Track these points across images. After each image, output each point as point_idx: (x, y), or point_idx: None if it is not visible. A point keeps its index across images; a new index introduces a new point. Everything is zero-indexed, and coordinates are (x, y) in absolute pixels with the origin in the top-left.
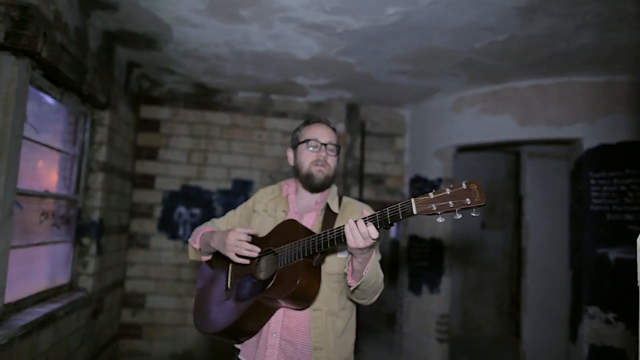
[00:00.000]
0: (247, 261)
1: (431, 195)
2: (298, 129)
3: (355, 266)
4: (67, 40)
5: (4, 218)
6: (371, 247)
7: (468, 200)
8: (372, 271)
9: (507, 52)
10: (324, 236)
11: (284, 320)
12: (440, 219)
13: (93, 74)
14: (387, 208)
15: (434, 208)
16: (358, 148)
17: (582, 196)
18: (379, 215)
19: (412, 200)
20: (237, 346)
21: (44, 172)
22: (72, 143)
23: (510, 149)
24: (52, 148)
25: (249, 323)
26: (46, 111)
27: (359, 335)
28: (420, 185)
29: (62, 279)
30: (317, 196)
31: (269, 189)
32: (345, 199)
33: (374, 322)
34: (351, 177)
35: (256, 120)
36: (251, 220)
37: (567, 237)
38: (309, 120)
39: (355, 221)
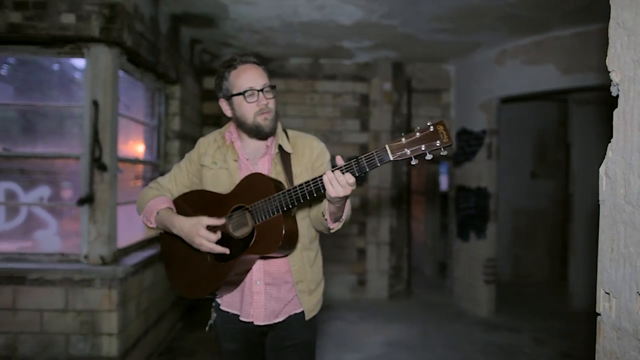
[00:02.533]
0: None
1: (403, 140)
2: (224, 77)
3: (332, 210)
4: (144, 28)
5: (112, 179)
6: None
7: (437, 142)
8: (348, 212)
9: (546, 1)
10: (300, 189)
11: (265, 267)
12: (414, 162)
13: (165, 54)
14: (363, 156)
15: (408, 153)
16: (405, 105)
17: None
18: (355, 164)
19: (387, 146)
20: (217, 299)
21: (134, 142)
22: (152, 116)
23: (559, 97)
24: (137, 121)
25: (234, 280)
26: (131, 89)
27: (411, 279)
28: (466, 138)
29: None
30: (266, 140)
31: (210, 137)
32: (291, 132)
33: (426, 270)
34: (399, 133)
35: (308, 84)
36: (202, 175)
37: None
38: (232, 63)
39: (333, 171)
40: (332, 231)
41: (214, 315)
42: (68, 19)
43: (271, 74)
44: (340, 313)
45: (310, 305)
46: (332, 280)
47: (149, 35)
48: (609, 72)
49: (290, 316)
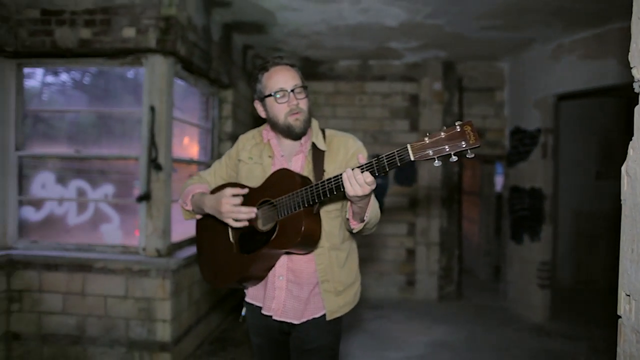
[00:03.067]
0: (246, 223)
1: (427, 140)
2: (257, 79)
3: (355, 210)
4: (197, 37)
5: (167, 178)
6: (369, 193)
7: (463, 144)
8: (372, 213)
9: None
10: (322, 186)
11: (289, 264)
12: (436, 163)
13: (217, 60)
14: (384, 155)
15: (431, 153)
16: (456, 104)
17: None
18: (375, 163)
19: (408, 146)
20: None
21: (189, 144)
22: (206, 119)
23: (624, 93)
24: (192, 124)
25: (256, 272)
26: (187, 94)
27: (463, 282)
28: (520, 137)
29: None
30: (300, 139)
31: (249, 134)
32: (328, 132)
33: (480, 273)
34: None
35: (357, 85)
36: (238, 169)
37: None
38: (265, 66)
39: (353, 169)
40: (353, 231)
41: (245, 308)
42: (129, 32)
43: (321, 76)
44: (387, 312)
45: (334, 306)
46: (380, 280)
47: (201, 44)
48: (631, 68)
49: (313, 319)
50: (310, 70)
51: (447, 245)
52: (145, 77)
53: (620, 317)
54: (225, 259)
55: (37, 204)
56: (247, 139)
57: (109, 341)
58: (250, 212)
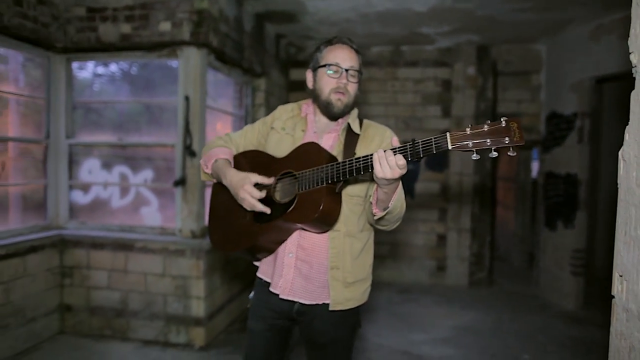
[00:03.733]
0: (261, 209)
1: (468, 131)
2: (319, 49)
3: (380, 196)
4: (229, 29)
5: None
6: (398, 178)
7: (507, 140)
8: (397, 202)
9: None
10: (349, 164)
11: (300, 241)
12: (474, 156)
13: (249, 50)
14: (420, 140)
15: (470, 145)
16: (490, 89)
17: None
18: (410, 147)
19: (448, 134)
20: (256, 263)
21: (223, 131)
22: (239, 107)
23: None
24: (225, 112)
25: (267, 244)
26: (221, 84)
27: (497, 269)
28: (556, 122)
29: None
30: (336, 120)
31: (289, 106)
32: (366, 121)
33: (515, 260)
34: (484, 118)
35: (389, 71)
36: (268, 137)
37: None
38: (331, 40)
39: (385, 151)
40: (375, 217)
41: (252, 292)
42: (165, 26)
43: None
44: (416, 296)
45: (340, 297)
46: (410, 265)
47: (233, 34)
48: (629, 53)
49: (324, 304)
50: None
51: (479, 232)
52: (180, 68)
53: (613, 297)
54: (237, 226)
55: (85, 188)
56: (285, 110)
57: (149, 315)
58: (265, 210)
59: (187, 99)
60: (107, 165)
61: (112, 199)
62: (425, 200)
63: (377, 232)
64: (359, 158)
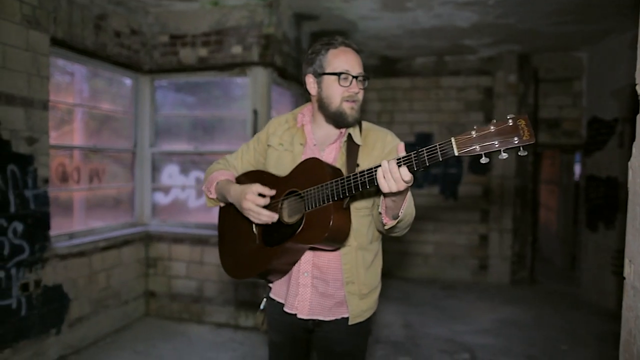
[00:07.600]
0: (269, 221)
1: (473, 134)
2: (320, 52)
3: (388, 204)
4: (290, 48)
5: None
6: (405, 190)
7: (516, 140)
8: (408, 209)
9: None
10: (354, 179)
11: (314, 260)
12: (483, 160)
13: None
14: (424, 148)
15: (477, 149)
16: (531, 96)
17: None
18: (414, 156)
19: (452, 139)
20: (269, 285)
21: None
22: None
23: None
24: None
25: (280, 266)
26: (281, 96)
27: (539, 270)
28: (597, 127)
29: None
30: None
31: (282, 118)
32: (365, 124)
33: (557, 260)
34: None
35: (432, 80)
36: (267, 155)
37: None
38: (333, 42)
39: (389, 162)
40: (386, 227)
41: (264, 300)
42: (237, 50)
43: (398, 73)
44: (459, 293)
45: (357, 311)
46: (453, 263)
47: (293, 53)
48: (635, 84)
49: (342, 319)
50: (389, 68)
51: (520, 232)
52: (249, 85)
53: (624, 278)
54: (247, 250)
55: (165, 190)
56: (279, 123)
57: (222, 301)
58: (271, 217)
59: (255, 112)
60: (184, 170)
61: (189, 200)
62: (467, 203)
63: (419, 232)
64: (364, 172)
